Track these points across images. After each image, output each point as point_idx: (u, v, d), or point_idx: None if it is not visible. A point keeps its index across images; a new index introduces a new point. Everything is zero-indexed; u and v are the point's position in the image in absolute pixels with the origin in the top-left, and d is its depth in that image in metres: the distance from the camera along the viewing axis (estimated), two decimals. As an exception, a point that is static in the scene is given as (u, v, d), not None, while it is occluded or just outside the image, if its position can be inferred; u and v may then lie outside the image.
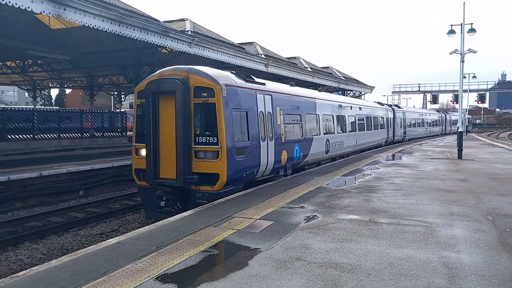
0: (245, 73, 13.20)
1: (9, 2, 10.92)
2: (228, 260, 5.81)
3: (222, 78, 10.75)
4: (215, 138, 10.12)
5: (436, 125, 52.20)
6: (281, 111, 13.22)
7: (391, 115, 31.63)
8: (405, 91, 77.48)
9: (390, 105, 34.99)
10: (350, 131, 21.04)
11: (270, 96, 12.71)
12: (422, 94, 74.32)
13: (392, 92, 77.96)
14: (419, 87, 75.08)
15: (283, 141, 13.18)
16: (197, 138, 10.26)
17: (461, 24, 21.57)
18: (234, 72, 12.30)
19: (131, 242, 6.45)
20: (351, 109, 21.67)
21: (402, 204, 9.16)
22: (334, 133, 18.49)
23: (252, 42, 27.99)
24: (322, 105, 17.39)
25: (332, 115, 18.51)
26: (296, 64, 29.83)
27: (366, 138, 24.37)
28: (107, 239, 6.68)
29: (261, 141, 11.71)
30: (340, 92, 35.04)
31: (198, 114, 10.32)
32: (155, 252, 5.90)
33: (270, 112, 12.48)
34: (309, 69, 30.41)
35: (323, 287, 4.73)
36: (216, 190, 10.18)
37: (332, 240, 6.49)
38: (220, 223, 7.47)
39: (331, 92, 31.34)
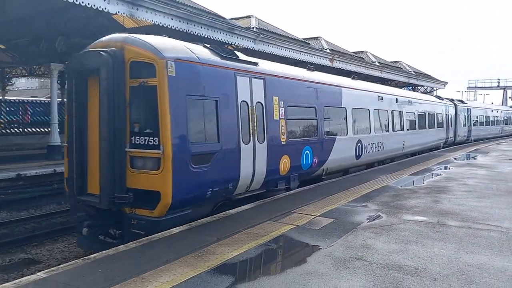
0: (230, 49, 10.79)
1: (89, 4, 11.72)
2: (286, 255, 5.79)
3: (171, 49, 7.46)
4: (156, 139, 7.00)
5: (506, 123, 43.40)
6: (282, 102, 9.87)
7: (452, 112, 27.06)
8: (482, 87, 72.16)
9: (451, 100, 29.51)
10: (394, 131, 17.12)
11: (262, 81, 9.25)
12: (502, 90, 68.77)
13: (468, 88, 72.90)
14: (498, 82, 69.54)
15: (283, 143, 9.85)
16: (133, 138, 7.18)
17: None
18: (209, 45, 8.74)
19: (195, 231, 6.66)
20: (396, 102, 17.67)
21: (474, 207, 8.55)
22: (369, 133, 14.65)
23: (317, 37, 27.60)
24: (352, 95, 13.65)
25: (368, 109, 14.76)
26: (363, 58, 28.96)
27: (417, 139, 20.06)
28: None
29: (242, 144, 8.44)
30: (410, 87, 33.48)
31: (136, 103, 7.28)
32: (215, 243, 6.03)
33: (261, 103, 9.16)
34: (376, 63, 29.40)
35: (384, 289, 4.54)
36: (157, 216, 7.00)
37: (395, 241, 6.22)
38: (279, 218, 7.46)
39: (401, 87, 29.98)
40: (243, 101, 8.65)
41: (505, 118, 43.40)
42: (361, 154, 14.00)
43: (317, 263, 5.31)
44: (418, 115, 20.31)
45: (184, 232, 6.65)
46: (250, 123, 8.75)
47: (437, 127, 23.63)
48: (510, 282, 4.75)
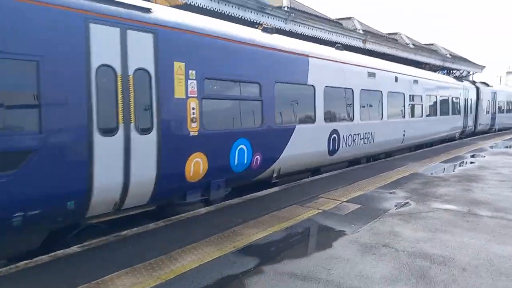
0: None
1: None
2: (311, 239, 5.81)
3: None
4: None
5: None
6: (193, 72, 6.82)
7: (473, 96, 23.22)
8: (524, 72, 68.98)
9: (473, 82, 25.76)
10: (391, 118, 13.70)
11: (150, 36, 6.21)
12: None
13: (507, 72, 69.91)
14: (541, 66, 66.28)
15: (193, 133, 6.82)
16: None
17: None
18: None
19: (221, 212, 6.77)
20: (396, 81, 14.20)
21: (508, 197, 8.28)
22: (352, 120, 11.45)
23: (350, 17, 26.89)
24: (326, 69, 10.35)
25: (352, 90, 11.43)
26: (397, 40, 28.11)
27: (423, 128, 16.57)
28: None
29: (96, 134, 5.48)
30: (445, 71, 32.35)
31: None
32: (241, 224, 6.11)
33: (146, 71, 6.13)
34: (411, 45, 28.51)
35: (410, 277, 4.51)
36: None
37: (424, 229, 6.13)
38: (305, 202, 7.47)
39: (435, 71, 28.94)
40: (104, 65, 5.60)
41: None
42: (338, 148, 10.73)
43: (342, 248, 5.31)
44: (427, 99, 16.95)
45: (211, 213, 6.77)
46: (120, 102, 5.72)
47: (452, 114, 20.09)
48: (542, 276, 4.61)
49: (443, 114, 18.74)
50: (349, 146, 11.31)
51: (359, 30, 24.80)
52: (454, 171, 11.47)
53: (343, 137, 10.98)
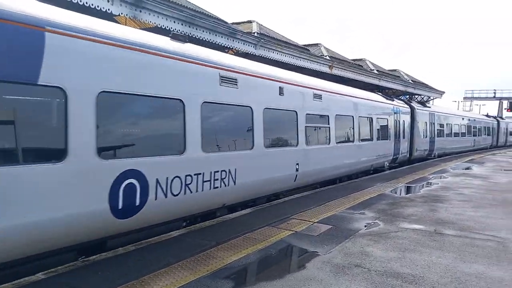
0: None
1: (92, 5, 11.75)
2: (285, 261, 5.80)
3: None
4: None
5: (479, 134, 35.41)
6: None
7: (406, 118, 20.37)
8: (479, 97, 72.70)
9: (408, 102, 23.45)
10: (270, 146, 9.53)
11: None
12: (498, 101, 69.29)
13: (464, 98, 73.37)
14: (494, 93, 70.07)
15: None
16: None
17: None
18: None
19: (193, 235, 6.66)
20: (281, 94, 10.04)
21: (471, 217, 8.60)
22: (182, 153, 7.03)
23: (317, 44, 27.72)
24: (124, 69, 6.14)
25: (182, 104, 7.08)
26: (362, 66, 29.11)
27: (330, 158, 12.50)
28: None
29: None
30: (408, 96, 33.63)
31: None
32: (214, 247, 6.04)
33: None
34: (375, 71, 29.57)
35: (383, 296, 4.57)
36: None
37: (393, 249, 6.25)
38: (278, 224, 7.48)
39: (398, 96, 30.00)
40: None
41: (479, 127, 35.60)
42: (137, 206, 6.17)
43: (316, 269, 5.33)
44: (338, 119, 12.82)
45: (183, 235, 6.65)
46: None
47: (378, 139, 16.44)
48: (507, 292, 4.79)
49: (364, 139, 15.12)
50: (167, 198, 6.67)
51: (325, 56, 25.55)
52: (419, 192, 11.82)
53: (151, 185, 6.38)
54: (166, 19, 14.32)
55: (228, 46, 18.15)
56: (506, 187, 13.14)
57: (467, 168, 19.32)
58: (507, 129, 46.30)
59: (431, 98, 37.21)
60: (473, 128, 33.89)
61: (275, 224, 7.46)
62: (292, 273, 5.19)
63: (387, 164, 18.16)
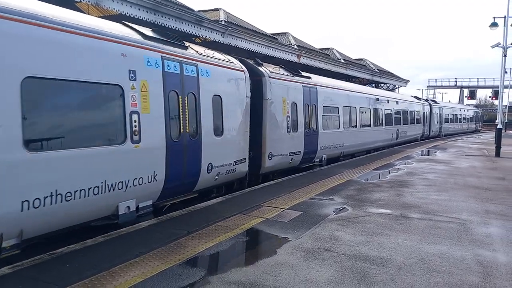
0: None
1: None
2: (256, 248, 5.86)
3: None
4: None
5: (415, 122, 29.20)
6: None
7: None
8: (441, 86, 75.15)
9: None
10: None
11: None
12: (459, 89, 71.90)
13: (427, 86, 75.56)
14: (455, 81, 72.56)
15: None
16: None
17: (505, 17, 20.66)
18: None
19: (164, 224, 6.60)
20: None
21: (435, 200, 8.93)
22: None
23: (285, 33, 27.79)
24: None
25: None
26: (329, 55, 29.42)
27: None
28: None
29: None
30: (374, 85, 34.33)
31: None
32: (186, 236, 6.01)
33: None
34: (342, 60, 29.96)
35: (353, 278, 4.70)
36: None
37: (361, 233, 6.42)
38: (249, 211, 7.53)
39: (365, 85, 30.62)
40: None
41: (405, 111, 39.45)
42: None
43: (287, 254, 5.41)
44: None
45: (154, 226, 6.59)
46: None
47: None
48: (468, 270, 5.02)
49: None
50: None
51: (293, 45, 25.64)
52: (386, 177, 12.15)
53: None
54: (131, 6, 13.92)
55: (195, 34, 17.90)
56: (467, 171, 13.71)
57: (433, 154, 20.00)
58: (441, 115, 37.16)
59: (397, 86, 38.14)
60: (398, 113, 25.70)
61: (246, 211, 7.51)
62: (264, 259, 5.25)
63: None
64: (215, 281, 4.55)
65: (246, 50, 20.16)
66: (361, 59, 36.59)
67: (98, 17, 19.74)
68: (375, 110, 20.52)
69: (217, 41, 18.06)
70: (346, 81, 25.80)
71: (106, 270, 4.72)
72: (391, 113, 23.21)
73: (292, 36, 27.74)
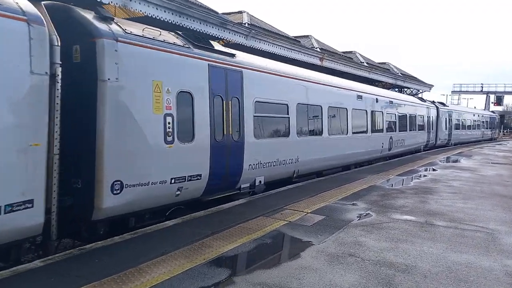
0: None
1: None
2: (280, 250, 5.88)
3: None
4: None
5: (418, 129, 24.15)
6: None
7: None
8: (466, 91, 73.59)
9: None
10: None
11: None
12: (485, 95, 70.27)
13: (452, 91, 74.15)
14: (481, 87, 70.99)
15: None
16: None
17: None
18: None
19: (189, 224, 6.69)
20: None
21: (460, 208, 8.77)
22: None
23: (307, 35, 27.72)
24: None
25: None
26: (352, 58, 29.21)
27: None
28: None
29: None
30: (397, 89, 33.91)
31: None
32: (210, 236, 6.08)
33: None
34: (365, 64, 29.70)
35: (377, 285, 4.66)
36: None
37: (386, 239, 6.36)
38: (271, 214, 7.54)
39: (388, 88, 30.22)
40: None
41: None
42: None
43: (311, 258, 5.41)
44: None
45: (178, 225, 6.68)
46: None
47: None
48: (497, 281, 4.92)
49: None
50: None
51: (316, 48, 25.56)
52: (409, 184, 12.00)
53: None
54: (156, 8, 14.14)
55: (219, 37, 18.05)
56: (493, 180, 13.40)
57: (456, 161, 19.62)
58: (450, 120, 31.85)
59: (420, 91, 37.58)
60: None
61: (269, 214, 7.53)
62: (288, 261, 5.26)
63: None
64: (240, 281, 4.59)
65: (269, 53, 20.21)
66: (384, 63, 36.19)
67: (124, 18, 20.14)
68: (356, 111, 15.24)
69: (240, 43, 18.19)
70: (370, 85, 25.47)
71: (133, 267, 4.82)
72: (382, 116, 17.95)
73: (315, 39, 27.64)
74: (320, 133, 12.53)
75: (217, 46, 9.19)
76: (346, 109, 14.38)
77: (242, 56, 9.88)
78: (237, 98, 9.03)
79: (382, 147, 17.85)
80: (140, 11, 14.38)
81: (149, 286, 4.36)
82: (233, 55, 9.35)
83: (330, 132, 12.98)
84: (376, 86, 27.81)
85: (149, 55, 7.01)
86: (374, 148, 16.97)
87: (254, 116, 9.51)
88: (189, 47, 8.03)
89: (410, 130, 21.95)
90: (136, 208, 6.77)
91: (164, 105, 7.11)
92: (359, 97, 15.86)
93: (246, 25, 19.91)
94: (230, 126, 8.72)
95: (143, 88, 6.80)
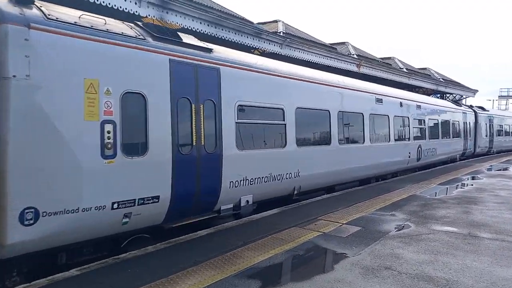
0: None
1: (120, 7, 12.00)
2: (313, 262, 5.73)
3: None
4: None
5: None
6: None
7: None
8: (515, 96, 69.94)
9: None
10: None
11: None
12: (536, 99, 66.50)
13: (499, 96, 70.81)
14: (532, 91, 67.29)
15: None
16: None
17: None
18: None
19: (221, 234, 6.69)
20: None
21: (507, 220, 8.26)
22: None
23: (344, 42, 27.41)
24: None
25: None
26: (390, 64, 28.58)
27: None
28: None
29: None
30: (439, 95, 32.79)
31: None
32: (241, 247, 6.04)
33: None
34: (404, 70, 28.97)
35: (415, 300, 4.45)
36: None
37: (425, 252, 6.08)
38: (305, 225, 7.41)
39: (429, 95, 29.23)
40: None
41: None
42: None
43: (345, 271, 5.24)
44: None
45: (210, 235, 6.69)
46: None
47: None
48: (547, 298, 4.57)
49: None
50: None
51: (353, 54, 25.22)
52: (452, 193, 11.48)
53: None
54: (192, 20, 14.46)
55: (254, 47, 18.18)
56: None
57: (504, 169, 18.65)
58: (491, 125, 29.57)
59: (464, 96, 36.15)
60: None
61: (302, 225, 7.40)
62: (321, 274, 5.12)
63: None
64: (270, 294, 4.51)
65: (305, 61, 20.12)
66: (425, 68, 35.15)
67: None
68: (374, 116, 13.26)
69: (275, 52, 18.23)
70: (410, 91, 24.75)
71: (165, 277, 4.85)
72: (408, 122, 15.99)
73: (352, 46, 27.29)
74: (328, 142, 10.86)
75: (187, 38, 7.48)
76: (362, 114, 12.51)
77: (221, 52, 8.22)
78: (212, 101, 7.43)
79: (409, 157, 15.79)
80: (177, 23, 14.76)
81: (179, 296, 4.37)
82: (209, 50, 7.73)
83: (340, 141, 11.27)
84: (418, 92, 27.00)
85: (80, 47, 5.51)
86: (398, 158, 14.94)
87: (236, 122, 7.87)
88: (144, 39, 6.45)
89: (444, 137, 19.82)
90: (63, 242, 5.30)
91: (102, 110, 5.63)
92: (379, 100, 13.77)
93: (281, 33, 19.94)
94: (202, 135, 7.09)
95: (69, 88, 5.31)
